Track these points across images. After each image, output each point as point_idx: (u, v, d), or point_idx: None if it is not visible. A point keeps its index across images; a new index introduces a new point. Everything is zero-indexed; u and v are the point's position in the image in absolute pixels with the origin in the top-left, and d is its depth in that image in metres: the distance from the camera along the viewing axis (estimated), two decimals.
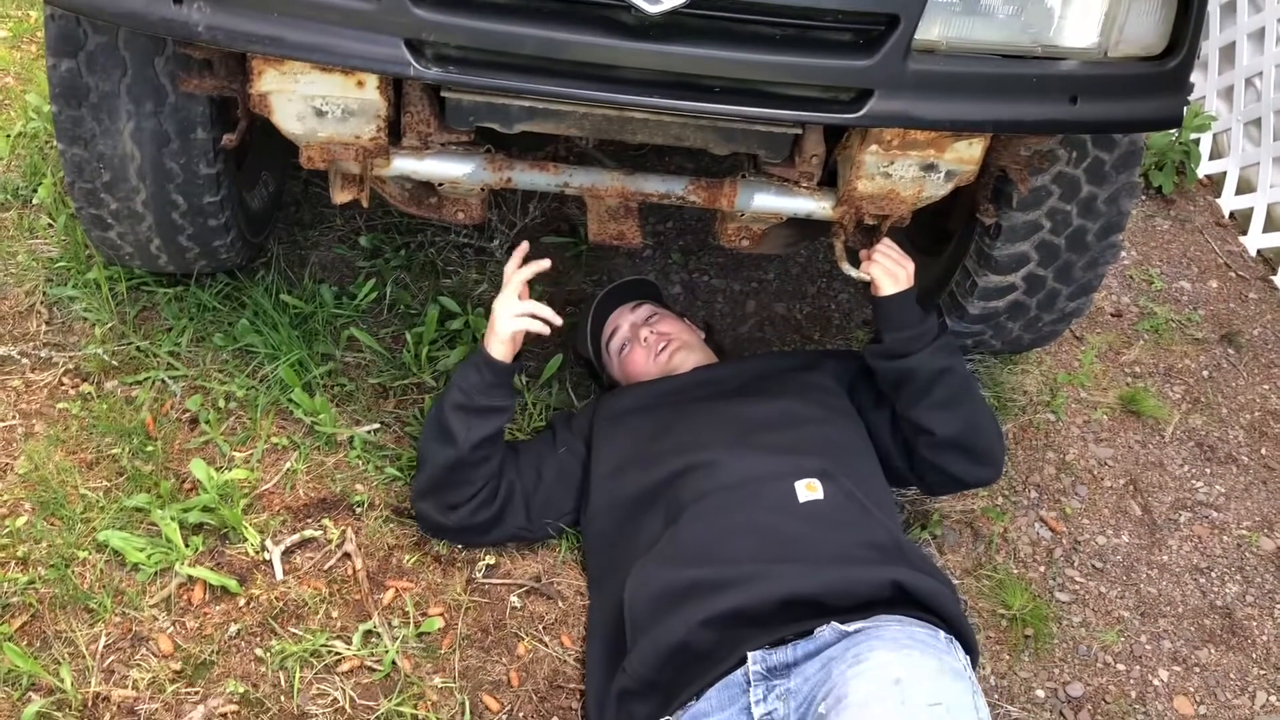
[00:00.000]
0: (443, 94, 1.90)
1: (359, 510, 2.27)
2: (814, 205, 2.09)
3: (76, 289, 2.58)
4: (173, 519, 2.14)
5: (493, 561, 2.22)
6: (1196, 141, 3.74)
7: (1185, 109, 1.92)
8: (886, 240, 2.22)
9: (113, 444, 2.30)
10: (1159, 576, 2.51)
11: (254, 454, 2.33)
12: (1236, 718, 2.26)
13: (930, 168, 1.95)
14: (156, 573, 2.10)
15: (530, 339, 2.73)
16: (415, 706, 1.98)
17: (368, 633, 2.07)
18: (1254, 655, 2.38)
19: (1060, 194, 2.27)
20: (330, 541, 2.21)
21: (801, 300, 3.02)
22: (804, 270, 3.10)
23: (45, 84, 2.09)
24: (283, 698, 1.97)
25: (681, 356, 2.37)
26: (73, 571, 2.08)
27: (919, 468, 2.23)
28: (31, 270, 2.64)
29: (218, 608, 2.08)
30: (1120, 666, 2.31)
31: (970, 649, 1.82)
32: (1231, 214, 3.68)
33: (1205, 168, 3.80)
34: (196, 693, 1.96)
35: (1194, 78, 3.80)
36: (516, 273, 2.16)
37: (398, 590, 2.15)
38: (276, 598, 2.10)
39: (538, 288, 2.85)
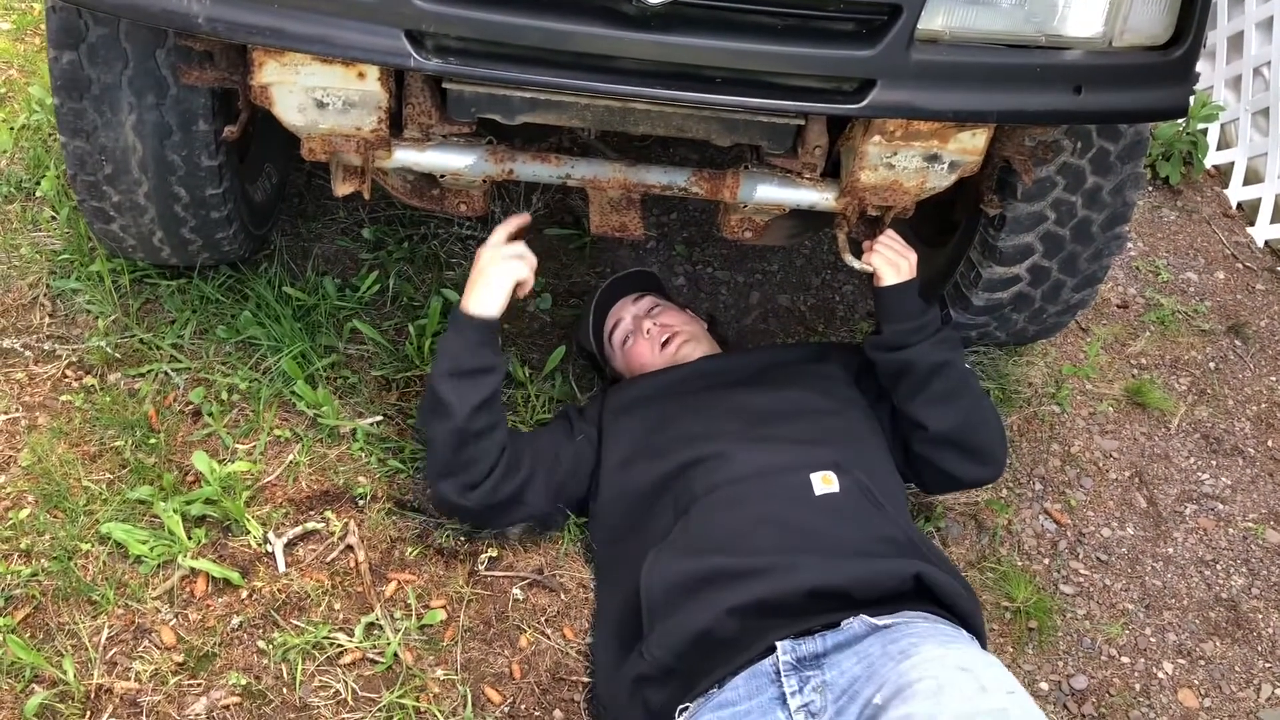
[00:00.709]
0: (444, 85, 1.89)
1: (361, 502, 2.27)
2: (817, 196, 2.08)
3: (79, 281, 2.58)
4: (175, 511, 2.15)
5: (495, 554, 2.22)
6: (1204, 132, 3.72)
7: (1191, 99, 1.90)
8: (889, 231, 2.21)
9: (116, 436, 2.30)
10: (1164, 569, 2.50)
11: (256, 446, 2.33)
12: (1241, 710, 2.26)
13: (934, 158, 1.94)
14: (159, 565, 2.10)
15: (533, 333, 2.72)
16: (417, 699, 1.98)
17: (370, 625, 2.07)
18: (1259, 648, 2.37)
19: (1065, 185, 2.26)
20: (333, 534, 2.21)
21: (806, 292, 3.01)
22: (808, 262, 3.09)
23: (48, 76, 2.08)
24: (285, 689, 1.97)
25: (686, 348, 2.36)
26: (75, 564, 2.08)
27: (915, 464, 2.22)
28: (35, 263, 2.65)
29: (220, 600, 2.09)
30: (1125, 659, 2.31)
31: (984, 649, 1.82)
32: (1239, 205, 3.66)
33: (1213, 158, 3.77)
34: (199, 684, 1.96)
35: (1201, 67, 3.79)
36: (501, 226, 2.11)
37: (400, 582, 2.15)
38: (279, 590, 2.11)
39: (540, 280, 2.85)
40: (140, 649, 2.00)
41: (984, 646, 1.84)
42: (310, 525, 2.21)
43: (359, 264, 2.78)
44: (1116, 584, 2.44)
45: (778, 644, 1.75)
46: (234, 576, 2.09)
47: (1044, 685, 2.23)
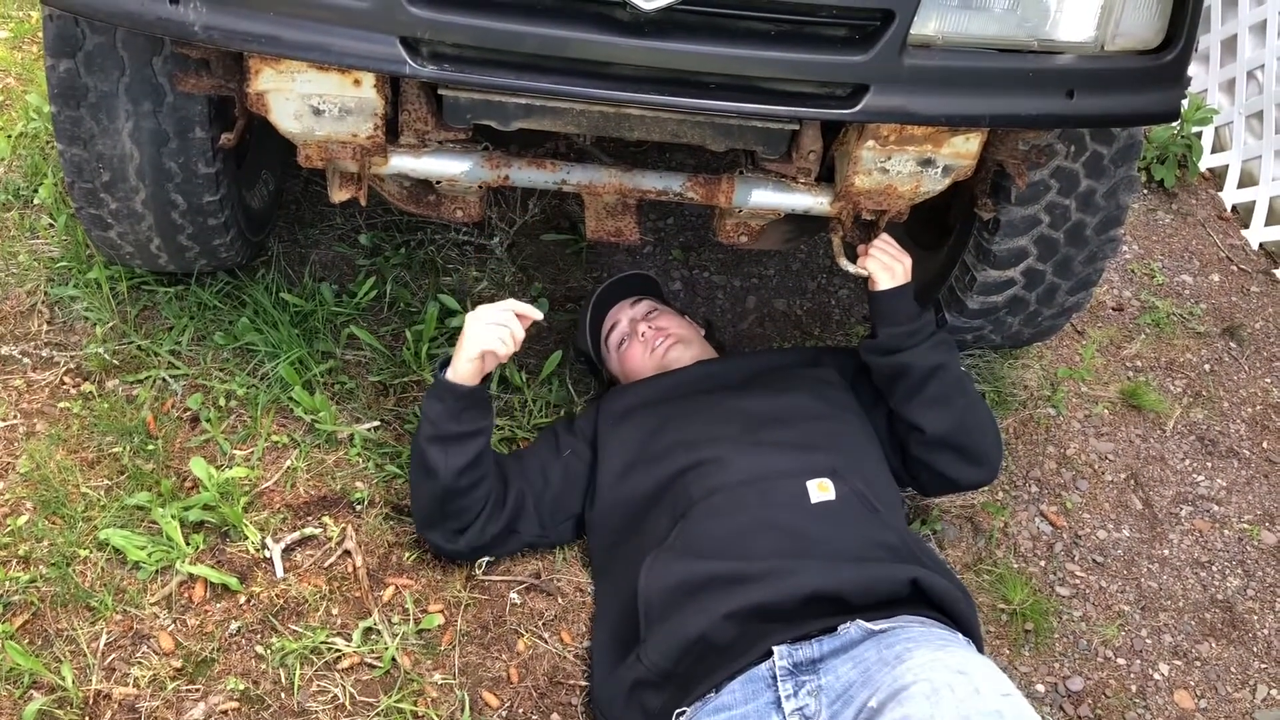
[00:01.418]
0: (440, 92, 1.90)
1: (359, 508, 2.28)
2: (812, 201, 2.09)
3: (77, 288, 2.59)
4: (173, 517, 2.15)
5: (492, 559, 2.22)
6: (1198, 135, 3.73)
7: (1184, 103, 1.91)
8: (884, 235, 2.22)
9: (114, 443, 2.31)
10: (1160, 570, 2.50)
11: (254, 452, 2.33)
12: (1237, 711, 2.26)
13: (927, 163, 1.95)
14: (157, 571, 2.11)
15: (530, 337, 2.73)
16: (415, 703, 1.99)
17: (368, 630, 2.07)
18: (1255, 649, 2.38)
19: (1059, 188, 2.27)
20: (330, 539, 2.21)
21: (802, 296, 3.02)
22: (804, 266, 3.10)
23: (45, 84, 2.09)
24: (283, 695, 1.98)
25: (679, 352, 2.37)
26: (74, 570, 2.09)
27: (912, 467, 2.23)
28: (33, 270, 2.65)
29: (218, 605, 2.09)
30: (1121, 660, 2.31)
31: (980, 652, 1.82)
32: (1234, 207, 3.67)
33: (1207, 161, 3.79)
34: (197, 690, 1.96)
35: (1195, 71, 3.81)
36: (512, 302, 2.05)
37: (397, 587, 2.16)
38: (277, 595, 2.11)
39: (536, 285, 2.85)
40: (138, 655, 2.00)
41: (980, 650, 1.85)
42: (308, 530, 2.21)
43: (356, 270, 2.79)
44: (1112, 585, 2.45)
45: (774, 649, 1.76)
46: (232, 582, 2.10)
47: (1040, 687, 2.23)
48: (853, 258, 2.23)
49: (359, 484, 2.32)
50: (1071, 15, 1.75)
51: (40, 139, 3.01)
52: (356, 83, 1.83)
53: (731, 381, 2.32)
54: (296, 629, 2.07)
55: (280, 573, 2.14)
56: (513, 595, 2.19)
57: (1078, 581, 2.44)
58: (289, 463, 2.33)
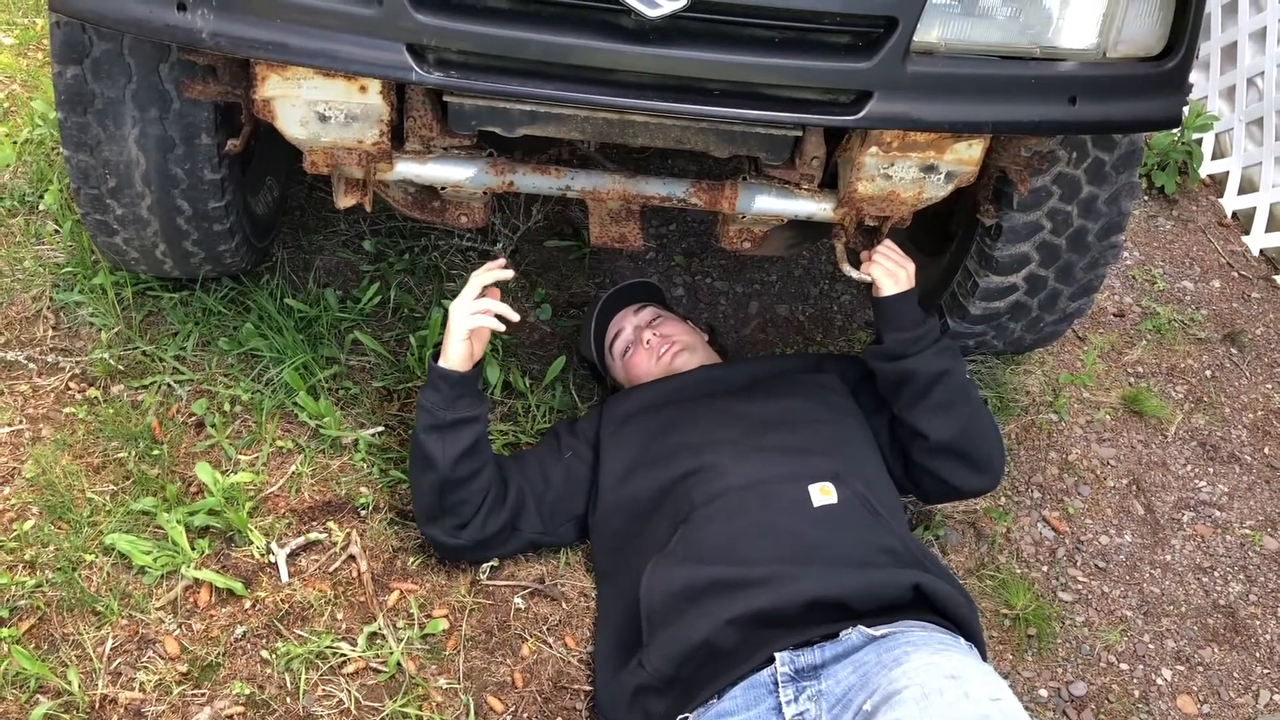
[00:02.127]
0: (445, 98, 1.91)
1: (364, 513, 2.28)
2: (815, 207, 2.10)
3: (83, 294, 2.60)
4: (179, 522, 2.16)
5: (496, 563, 2.23)
6: (1199, 141, 3.74)
7: (1185, 109, 1.92)
8: (887, 241, 2.23)
9: (119, 448, 2.31)
10: (1162, 576, 2.51)
11: (259, 457, 2.34)
12: (1240, 716, 2.27)
13: (930, 169, 1.96)
14: (163, 575, 2.12)
15: (533, 343, 2.74)
16: (420, 708, 1.99)
17: (373, 634, 2.08)
18: (1257, 654, 2.38)
19: (1061, 195, 2.27)
20: (335, 544, 2.22)
21: (804, 302, 3.03)
22: (806, 272, 3.11)
23: (51, 90, 2.10)
24: (288, 699, 1.98)
25: (684, 358, 2.37)
26: (80, 574, 2.09)
27: (915, 474, 2.23)
28: (38, 276, 2.66)
29: (224, 610, 2.09)
30: (1123, 666, 2.32)
31: (983, 657, 1.83)
32: (1234, 214, 3.68)
33: (1208, 168, 3.80)
34: (203, 694, 1.97)
35: (1196, 78, 3.82)
36: (475, 275, 2.11)
37: (402, 592, 2.16)
38: (282, 600, 2.12)
39: (540, 291, 2.86)
40: (144, 659, 2.01)
41: (983, 655, 1.85)
42: (313, 535, 2.22)
43: (360, 276, 2.80)
44: (1115, 591, 2.45)
45: (776, 655, 1.76)
46: (237, 587, 2.10)
47: (1043, 692, 2.24)
48: (856, 264, 2.23)
49: (363, 489, 2.32)
50: (1073, 23, 1.76)
51: (46, 145, 3.02)
52: (362, 89, 1.84)
53: (734, 386, 2.32)
54: (301, 633, 2.07)
55: (285, 577, 2.15)
56: (517, 600, 2.19)
57: (1080, 587, 2.45)
58: (294, 468, 2.34)
